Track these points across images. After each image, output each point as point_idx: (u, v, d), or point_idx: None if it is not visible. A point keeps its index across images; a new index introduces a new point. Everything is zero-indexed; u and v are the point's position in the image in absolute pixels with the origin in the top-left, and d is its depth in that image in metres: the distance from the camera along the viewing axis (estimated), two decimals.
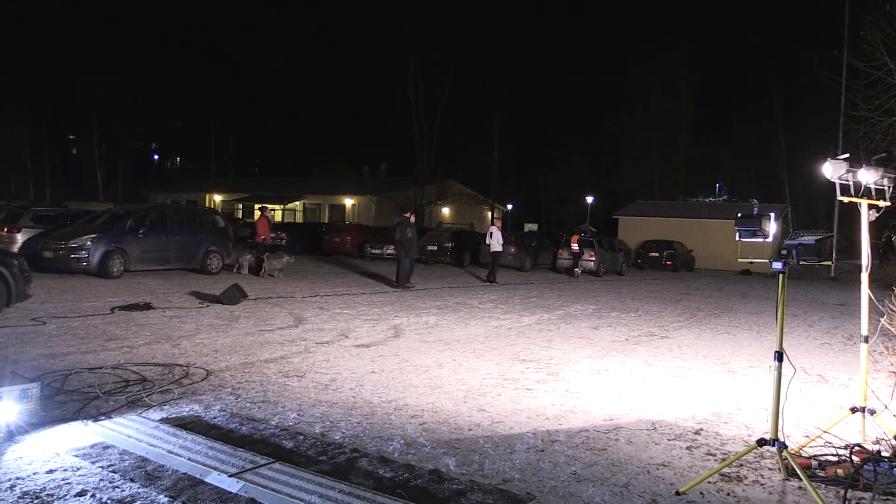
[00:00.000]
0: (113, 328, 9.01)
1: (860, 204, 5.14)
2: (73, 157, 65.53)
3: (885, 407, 5.20)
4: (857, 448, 4.57)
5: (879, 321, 6.35)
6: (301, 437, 4.85)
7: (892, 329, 6.78)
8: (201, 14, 77.74)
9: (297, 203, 47.80)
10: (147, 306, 10.85)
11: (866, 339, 5.29)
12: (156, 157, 79.69)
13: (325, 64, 73.93)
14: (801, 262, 4.25)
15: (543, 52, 71.04)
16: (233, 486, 3.87)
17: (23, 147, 52.61)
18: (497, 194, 53.74)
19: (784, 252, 4.32)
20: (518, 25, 73.44)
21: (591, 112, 60.56)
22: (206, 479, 3.96)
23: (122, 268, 15.30)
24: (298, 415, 5.44)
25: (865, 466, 4.24)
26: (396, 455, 4.59)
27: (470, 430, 5.28)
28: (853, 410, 5.14)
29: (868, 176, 5.01)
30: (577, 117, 61.41)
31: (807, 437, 5.30)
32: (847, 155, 4.98)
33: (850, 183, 5.04)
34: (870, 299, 5.26)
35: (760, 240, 4.38)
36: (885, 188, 5.15)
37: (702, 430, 5.56)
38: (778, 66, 51.68)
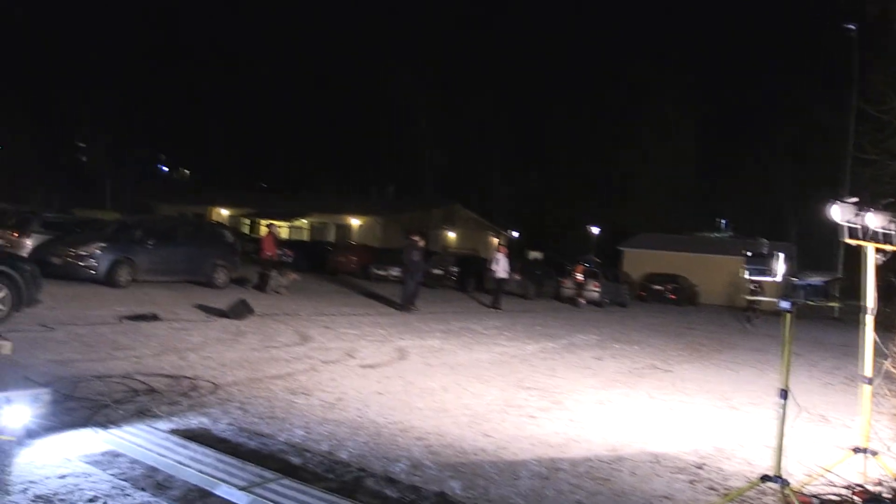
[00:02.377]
0: (120, 337, 9.07)
1: (867, 247, 5.21)
2: (82, 165, 65.86)
3: (888, 449, 5.24)
4: (858, 488, 4.61)
5: (883, 363, 6.39)
6: (308, 455, 4.91)
7: (895, 372, 6.82)
8: (216, 26, 78.38)
9: (304, 220, 47.96)
10: (154, 317, 10.92)
11: (869, 381, 5.34)
12: (164, 168, 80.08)
13: (341, 83, 74.49)
14: (809, 302, 4.33)
15: (552, 83, 71.41)
16: (242, 499, 3.91)
17: (31, 153, 52.92)
18: (503, 221, 53.95)
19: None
20: (533, 54, 73.98)
21: (599, 143, 60.97)
22: (215, 491, 4.01)
23: (129, 277, 15.36)
24: (306, 432, 5.49)
25: None
26: (403, 476, 4.64)
27: (475, 454, 5.32)
28: (855, 451, 5.18)
29: (875, 220, 5.08)
30: (585, 148, 61.83)
31: (808, 475, 5.33)
32: (856, 199, 5.05)
33: (858, 226, 5.11)
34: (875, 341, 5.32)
35: (769, 278, 4.46)
36: (893, 233, 5.22)
37: (704, 464, 5.60)
38: (787, 105, 52.02)
